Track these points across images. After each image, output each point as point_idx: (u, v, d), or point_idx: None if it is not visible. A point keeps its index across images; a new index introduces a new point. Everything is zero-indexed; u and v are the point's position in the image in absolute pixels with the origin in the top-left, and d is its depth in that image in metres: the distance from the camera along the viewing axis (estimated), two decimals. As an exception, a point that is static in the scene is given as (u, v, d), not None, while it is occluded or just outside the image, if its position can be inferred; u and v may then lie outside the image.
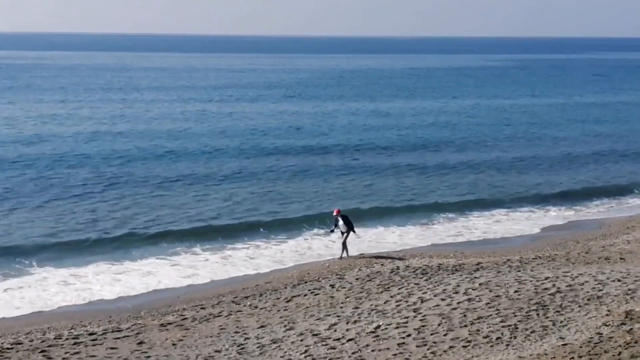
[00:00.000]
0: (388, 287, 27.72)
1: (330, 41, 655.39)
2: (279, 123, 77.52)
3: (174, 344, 22.84)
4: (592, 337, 21.84)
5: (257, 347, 22.28)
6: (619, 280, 27.67)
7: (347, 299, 26.69)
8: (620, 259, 31.46)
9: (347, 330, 23.39)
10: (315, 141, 65.19)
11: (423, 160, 57.51)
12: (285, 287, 28.58)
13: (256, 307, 26.34)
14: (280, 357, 21.50)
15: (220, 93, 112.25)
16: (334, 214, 32.96)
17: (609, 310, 24.31)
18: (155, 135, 67.41)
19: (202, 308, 26.52)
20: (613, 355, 20.34)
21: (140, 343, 22.99)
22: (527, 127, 77.00)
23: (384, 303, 25.88)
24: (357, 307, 25.57)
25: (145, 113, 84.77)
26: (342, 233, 32.58)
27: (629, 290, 26.46)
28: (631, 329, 22.33)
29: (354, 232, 32.73)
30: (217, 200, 43.83)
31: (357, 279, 29.13)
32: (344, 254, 32.60)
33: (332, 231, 33.40)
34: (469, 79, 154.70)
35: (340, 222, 32.45)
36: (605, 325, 22.85)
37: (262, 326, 24.18)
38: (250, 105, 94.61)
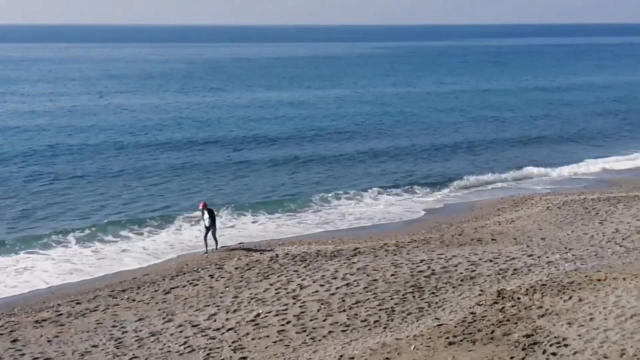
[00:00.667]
0: (267, 275, 27.82)
1: (205, 30, 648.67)
2: (158, 116, 75.76)
3: (49, 341, 22.31)
4: (466, 317, 22.49)
5: (136, 341, 22.01)
6: (490, 261, 28.58)
7: (227, 288, 26.64)
8: (492, 240, 32.44)
9: (227, 319, 23.40)
10: (195, 135, 63.92)
11: (303, 151, 57.46)
12: (164, 279, 28.25)
13: (134, 300, 25.96)
14: (159, 349, 21.32)
15: (95, 85, 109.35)
16: (200, 207, 32.58)
17: (481, 290, 25.09)
18: (26, 130, 65.19)
19: (77, 303, 25.94)
20: (486, 334, 20.99)
21: (14, 341, 22.37)
22: (406, 115, 77.73)
23: (264, 291, 25.97)
24: (236, 297, 25.57)
25: (18, 107, 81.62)
26: (206, 227, 32.07)
27: (501, 270, 27.38)
28: (503, 307, 23.10)
29: (214, 227, 32.14)
30: (94, 195, 42.77)
31: (236, 268, 29.09)
32: (211, 248, 31.98)
33: (204, 223, 32.67)
34: (350, 67, 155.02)
35: (205, 216, 31.97)
36: (479, 304, 23.57)
37: (140, 319, 23.88)
38: (127, 97, 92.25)
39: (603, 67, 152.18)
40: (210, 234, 32.14)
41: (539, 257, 29.13)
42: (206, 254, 31.54)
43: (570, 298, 23.43)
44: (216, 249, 32.11)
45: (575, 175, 49.19)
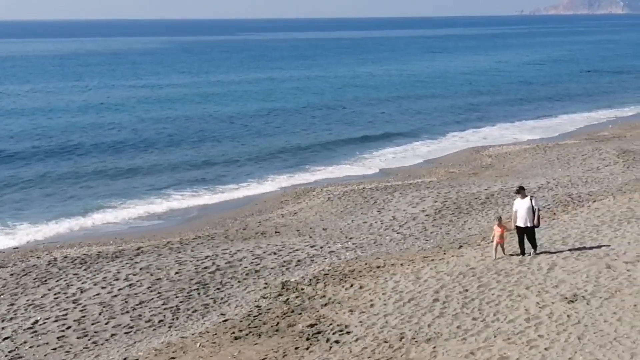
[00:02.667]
0: (45, 280, 26.69)
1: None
2: None
3: None
4: (251, 311, 22.64)
5: None
6: (275, 254, 28.89)
7: (1, 296, 25.32)
8: (276, 232, 32.76)
9: (2, 328, 22.35)
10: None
11: (82, 158, 55.37)
12: None
13: None
14: None
15: None
16: None
17: (266, 283, 25.33)
18: None
19: None
20: (271, 326, 21.21)
21: None
22: (187, 117, 74.63)
23: (42, 297, 24.93)
24: (12, 304, 24.38)
25: None
26: None
27: (284, 262, 27.75)
28: (287, 299, 23.42)
29: None
30: None
31: (11, 274, 27.67)
32: None
33: None
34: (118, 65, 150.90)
35: None
36: (264, 297, 23.79)
37: None
38: None
39: (365, 62, 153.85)
40: None
41: (321, 247, 29.74)
42: None
43: (351, 286, 24.07)
44: None
45: (349, 170, 49.53)
